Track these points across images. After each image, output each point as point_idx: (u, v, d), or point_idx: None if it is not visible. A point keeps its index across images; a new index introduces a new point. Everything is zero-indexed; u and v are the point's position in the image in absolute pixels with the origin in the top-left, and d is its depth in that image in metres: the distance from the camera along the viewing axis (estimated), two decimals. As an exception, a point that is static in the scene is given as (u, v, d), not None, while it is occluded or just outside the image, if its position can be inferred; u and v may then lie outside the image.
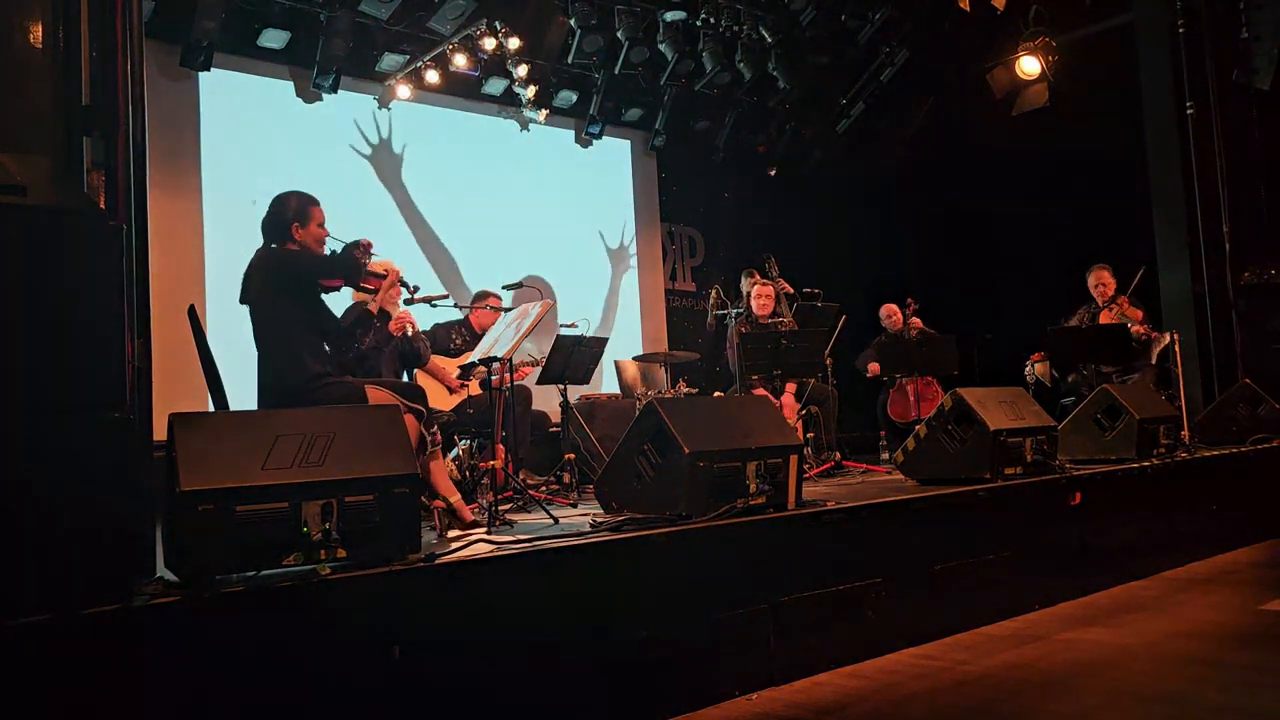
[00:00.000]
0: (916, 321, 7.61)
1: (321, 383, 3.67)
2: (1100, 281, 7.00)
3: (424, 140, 8.39)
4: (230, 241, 7.18)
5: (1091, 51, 8.78)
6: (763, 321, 6.65)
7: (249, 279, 3.78)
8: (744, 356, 5.95)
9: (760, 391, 6.10)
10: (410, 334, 5.10)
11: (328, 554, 2.53)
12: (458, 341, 5.88)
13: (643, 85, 9.19)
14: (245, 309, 3.80)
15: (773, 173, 10.33)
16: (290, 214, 3.81)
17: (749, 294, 6.75)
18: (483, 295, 6.20)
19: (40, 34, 2.50)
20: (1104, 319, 6.83)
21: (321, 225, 3.88)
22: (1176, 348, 6.57)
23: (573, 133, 9.39)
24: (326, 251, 3.91)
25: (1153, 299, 7.60)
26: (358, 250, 3.89)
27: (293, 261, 3.78)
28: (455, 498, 3.89)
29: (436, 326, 6.00)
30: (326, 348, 3.94)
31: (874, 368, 7.61)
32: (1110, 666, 3.29)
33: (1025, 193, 9.39)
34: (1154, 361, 6.85)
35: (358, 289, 4.12)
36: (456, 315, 6.09)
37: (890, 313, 7.90)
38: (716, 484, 3.45)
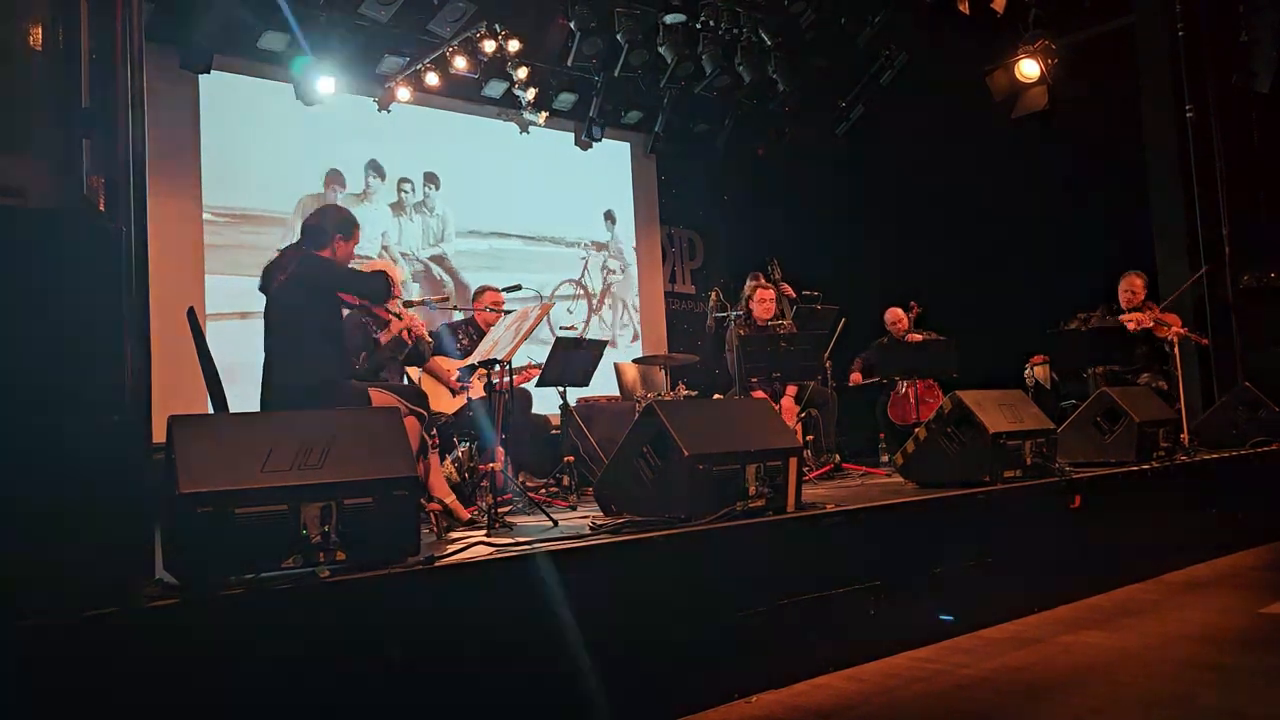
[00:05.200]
0: (915, 336, 7.61)
1: (326, 386, 3.68)
2: (1131, 288, 6.95)
3: (424, 142, 8.39)
4: (230, 244, 7.20)
5: (1091, 54, 8.79)
6: (761, 324, 6.65)
7: (275, 270, 3.83)
8: (743, 359, 5.95)
9: (759, 394, 6.10)
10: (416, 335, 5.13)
11: (326, 556, 2.53)
12: (464, 342, 5.88)
13: (642, 88, 9.20)
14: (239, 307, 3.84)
15: (761, 152, 10.33)
16: (337, 226, 3.94)
17: (750, 297, 6.73)
18: (481, 291, 6.19)
19: (40, 36, 2.50)
20: (1131, 323, 6.77)
21: (356, 246, 4.04)
22: (1176, 350, 6.57)
23: (572, 135, 9.40)
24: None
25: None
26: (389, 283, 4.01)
27: (330, 267, 3.87)
28: (450, 498, 3.90)
29: (442, 327, 6.01)
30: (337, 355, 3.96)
31: (855, 377, 7.63)
32: (1109, 670, 3.29)
33: (1024, 195, 9.38)
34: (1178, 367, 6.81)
35: (372, 316, 4.21)
36: (460, 317, 6.10)
37: (896, 317, 7.89)
38: (716, 486, 3.45)
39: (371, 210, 8.16)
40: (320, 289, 3.81)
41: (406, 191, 8.42)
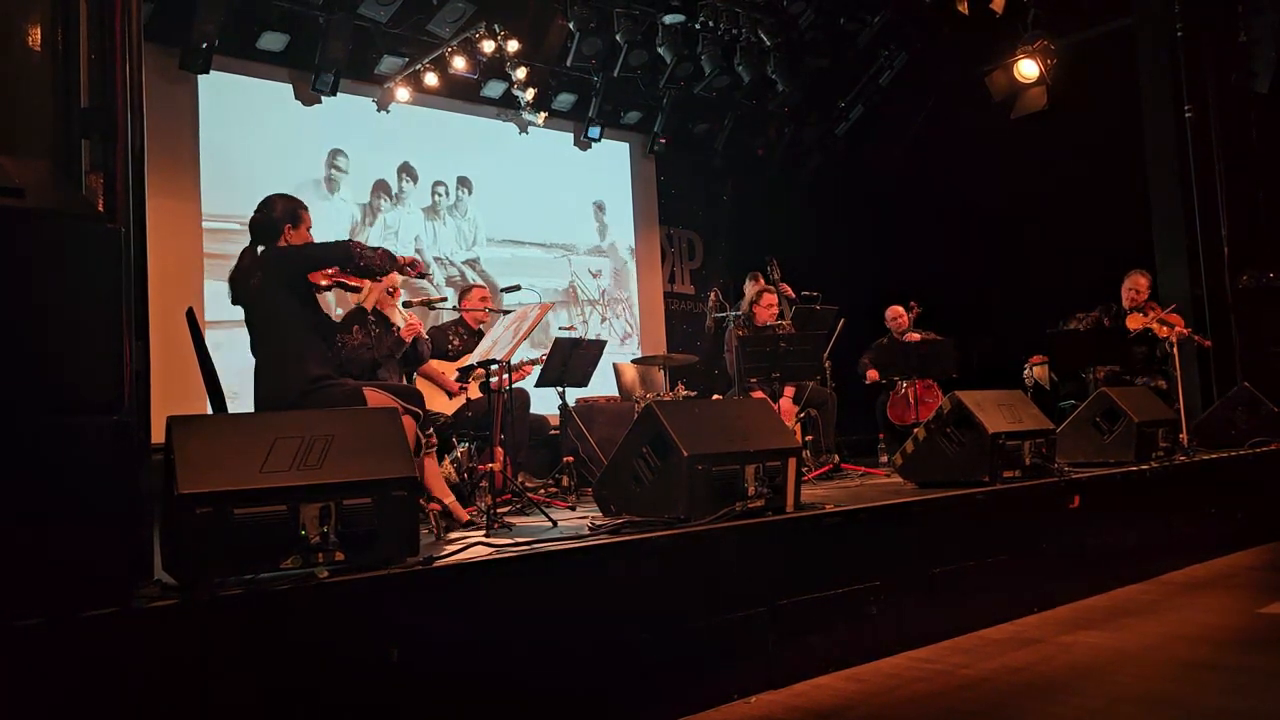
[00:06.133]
0: (914, 336, 7.63)
1: (320, 385, 3.67)
2: (1135, 286, 6.94)
3: (423, 143, 8.40)
4: (229, 244, 7.19)
5: (1090, 55, 8.80)
6: (761, 325, 6.65)
7: (241, 278, 3.76)
8: (743, 359, 5.95)
9: (759, 394, 6.10)
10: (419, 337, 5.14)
11: (325, 557, 2.52)
12: (455, 343, 5.88)
13: (642, 88, 9.21)
14: (239, 312, 3.81)
15: (760, 153, 10.35)
16: (283, 216, 3.82)
17: (755, 301, 6.72)
18: (467, 290, 6.18)
19: (39, 36, 2.50)
20: (1133, 323, 6.78)
21: (309, 229, 3.90)
22: (1176, 350, 6.58)
23: (571, 135, 9.40)
24: None
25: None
26: (362, 249, 3.89)
27: (288, 255, 3.76)
28: (450, 499, 3.89)
29: (433, 329, 6.00)
30: (328, 351, 3.93)
31: (872, 375, 7.65)
32: (1109, 670, 3.29)
33: (1023, 196, 9.40)
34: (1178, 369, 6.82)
35: (345, 287, 4.10)
36: (451, 317, 6.10)
37: (896, 314, 7.92)
38: (715, 487, 3.45)
39: (405, 214, 8.23)
40: (288, 282, 3.72)
41: (441, 195, 8.46)
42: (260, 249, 3.82)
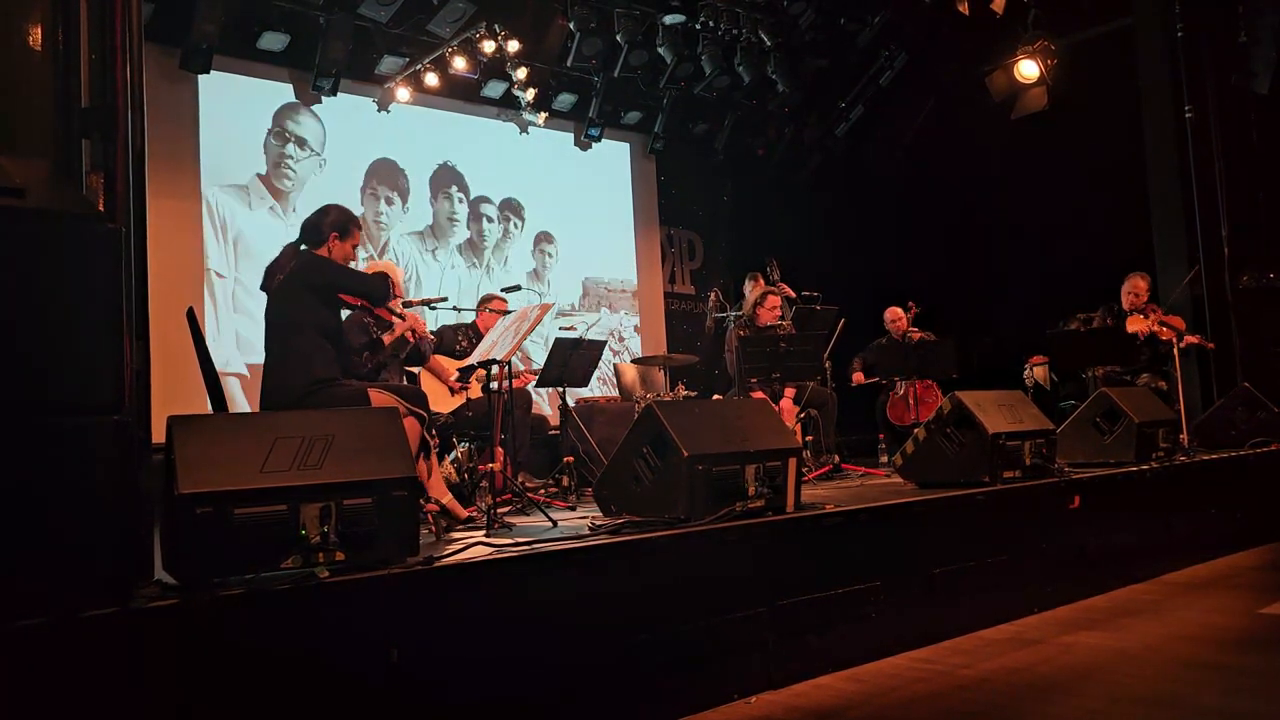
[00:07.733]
0: (915, 333, 7.63)
1: (324, 385, 3.68)
2: (1134, 289, 6.95)
3: (423, 143, 8.40)
4: (229, 244, 7.19)
5: (1090, 55, 8.80)
6: (762, 325, 6.65)
7: (276, 269, 3.85)
8: (743, 360, 5.95)
9: (759, 394, 6.10)
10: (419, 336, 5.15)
11: (326, 557, 2.52)
12: (463, 343, 5.90)
13: (642, 88, 9.21)
14: (251, 308, 3.84)
15: (761, 152, 10.35)
16: (335, 223, 3.93)
17: (756, 301, 6.72)
18: (487, 299, 6.22)
19: (39, 36, 2.50)
20: (1134, 326, 6.79)
21: (356, 247, 4.03)
22: (1176, 351, 6.58)
23: (572, 135, 9.40)
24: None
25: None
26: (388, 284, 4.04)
27: (327, 266, 3.87)
28: (447, 498, 3.91)
29: (444, 328, 6.03)
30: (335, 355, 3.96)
31: (858, 377, 7.65)
32: (1109, 670, 3.29)
33: (1024, 196, 9.40)
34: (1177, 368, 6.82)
35: (374, 317, 4.22)
36: (460, 317, 6.11)
37: (895, 316, 7.92)
38: (715, 487, 3.45)
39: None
40: (316, 288, 3.81)
41: (487, 223, 8.57)
42: (303, 247, 3.91)
